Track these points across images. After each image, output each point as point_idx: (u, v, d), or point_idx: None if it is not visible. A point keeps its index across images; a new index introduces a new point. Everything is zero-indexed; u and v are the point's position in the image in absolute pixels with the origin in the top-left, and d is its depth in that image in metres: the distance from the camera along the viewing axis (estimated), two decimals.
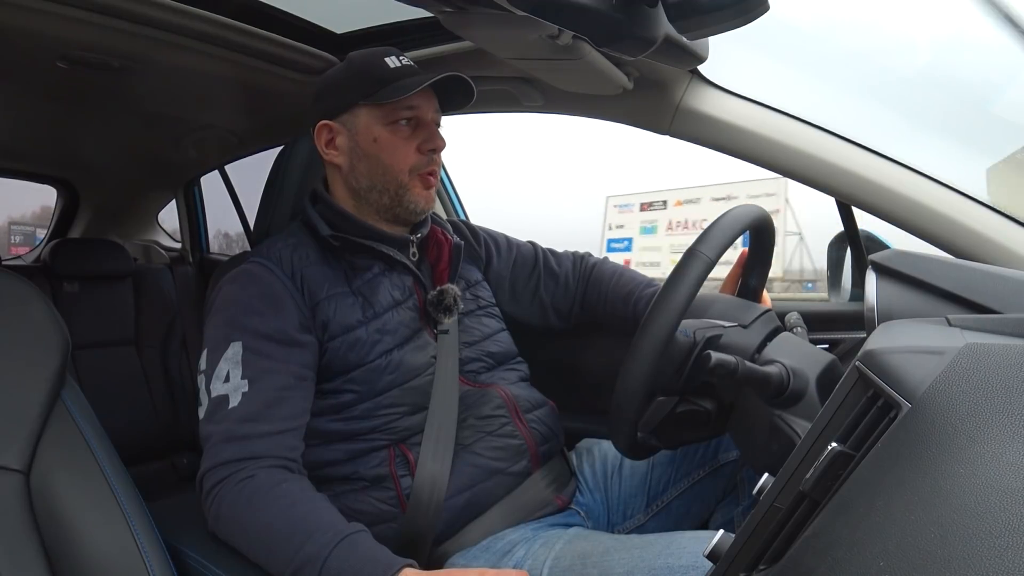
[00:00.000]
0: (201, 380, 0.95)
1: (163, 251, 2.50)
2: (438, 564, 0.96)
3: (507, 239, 1.29)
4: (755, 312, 0.90)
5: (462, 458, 0.99)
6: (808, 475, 0.49)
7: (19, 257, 2.54)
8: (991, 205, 0.97)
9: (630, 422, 0.82)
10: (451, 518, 0.96)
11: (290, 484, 0.88)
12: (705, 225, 0.86)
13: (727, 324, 0.88)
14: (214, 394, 0.93)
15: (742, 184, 8.26)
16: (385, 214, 1.06)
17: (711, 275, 0.82)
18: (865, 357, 0.50)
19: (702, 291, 0.83)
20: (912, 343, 0.50)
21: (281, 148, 1.28)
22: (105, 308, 2.05)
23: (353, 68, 1.06)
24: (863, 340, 0.55)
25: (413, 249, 1.09)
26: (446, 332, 1.05)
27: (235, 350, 0.94)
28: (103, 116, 1.69)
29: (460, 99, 1.07)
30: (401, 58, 1.05)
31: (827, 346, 1.21)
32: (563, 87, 1.11)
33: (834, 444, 0.49)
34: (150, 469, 1.97)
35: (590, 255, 1.30)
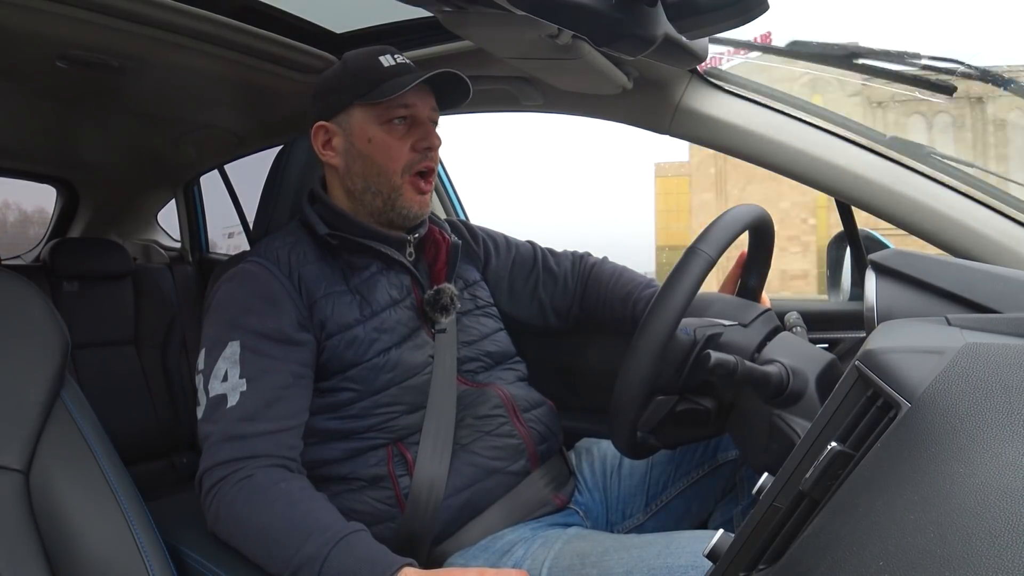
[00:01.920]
0: (199, 379, 0.95)
1: (163, 251, 2.50)
2: (437, 564, 0.96)
3: (506, 239, 1.29)
4: (755, 311, 0.90)
5: (460, 458, 0.99)
6: (808, 475, 0.49)
7: (19, 256, 2.53)
8: (991, 205, 0.97)
9: (630, 421, 0.82)
10: (450, 518, 0.96)
11: (289, 483, 0.88)
12: None
13: (727, 323, 0.88)
14: (212, 393, 0.93)
15: None
16: (380, 217, 1.06)
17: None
18: (865, 357, 0.50)
19: (701, 291, 0.83)
20: (912, 343, 0.50)
21: (280, 148, 1.28)
22: (105, 308, 2.05)
23: (348, 68, 1.06)
24: (863, 340, 0.55)
25: (410, 249, 1.09)
26: (443, 331, 1.05)
27: (233, 349, 0.94)
28: (103, 116, 1.69)
29: (457, 96, 1.07)
30: (396, 56, 1.05)
31: (827, 346, 1.21)
32: (563, 87, 1.11)
33: (834, 444, 0.49)
34: (150, 469, 1.97)
35: (589, 255, 1.30)
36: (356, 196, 1.06)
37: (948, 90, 0.91)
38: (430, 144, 1.04)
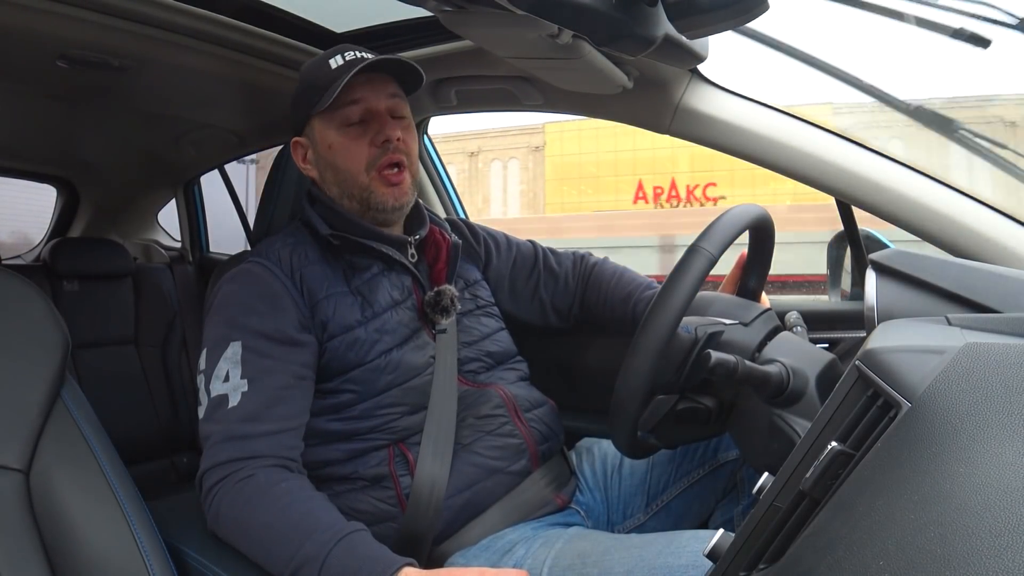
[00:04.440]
0: (200, 380, 0.95)
1: (163, 250, 2.50)
2: (438, 563, 0.96)
3: (507, 238, 1.29)
4: (755, 311, 0.90)
5: (461, 457, 0.99)
6: (808, 474, 0.49)
7: (19, 256, 2.53)
8: (991, 205, 0.97)
9: (630, 421, 0.82)
10: (451, 517, 0.96)
11: (289, 483, 0.88)
12: None
13: (728, 322, 0.88)
14: (213, 394, 0.93)
15: None
16: (364, 216, 1.06)
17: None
18: (865, 356, 0.50)
19: (702, 290, 0.83)
20: (912, 342, 0.50)
21: (281, 148, 1.28)
22: (105, 307, 2.04)
23: (303, 80, 1.06)
24: (863, 339, 0.55)
25: (411, 249, 1.09)
26: (444, 332, 1.05)
27: (234, 350, 0.94)
28: (103, 116, 1.69)
29: (414, 77, 1.04)
30: (347, 54, 1.02)
31: (827, 345, 1.21)
32: (563, 86, 1.11)
33: (834, 443, 0.49)
34: (150, 469, 1.96)
35: (590, 255, 1.30)
36: (336, 202, 1.06)
37: (983, 42, 0.86)
38: (387, 136, 1.01)
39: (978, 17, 0.86)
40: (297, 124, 1.07)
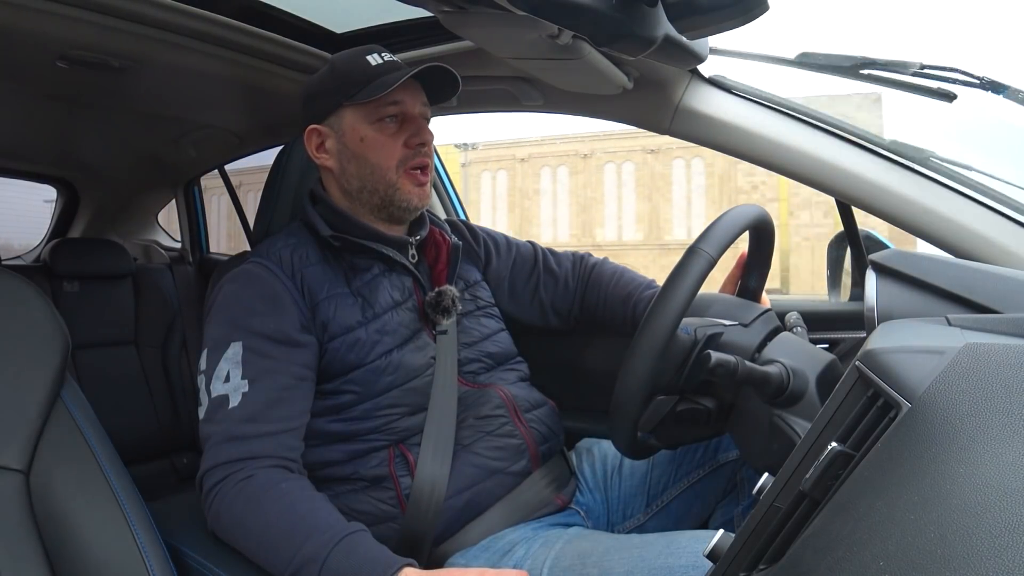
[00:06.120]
0: (201, 380, 0.95)
1: (163, 251, 2.50)
2: (438, 564, 0.96)
3: (506, 239, 1.29)
4: (755, 312, 0.89)
5: (462, 458, 0.99)
6: (808, 475, 0.49)
7: (19, 256, 2.53)
8: (991, 205, 0.97)
9: (630, 421, 0.82)
10: (451, 518, 0.96)
11: (289, 484, 0.88)
12: None
13: (727, 323, 0.88)
14: (214, 394, 0.93)
15: None
16: (379, 214, 1.06)
17: None
18: (865, 357, 0.50)
19: (702, 291, 0.83)
20: (912, 343, 0.50)
21: (281, 148, 1.28)
22: (105, 308, 2.04)
23: (335, 70, 1.06)
24: (863, 340, 0.55)
25: (412, 250, 1.09)
26: (444, 333, 1.05)
27: (235, 350, 0.94)
28: (103, 116, 1.69)
29: (446, 91, 1.07)
30: (384, 55, 1.05)
31: (827, 346, 1.21)
32: (563, 87, 1.11)
33: (834, 444, 0.49)
34: (150, 469, 1.96)
35: (590, 255, 1.30)
36: (353, 196, 1.06)
37: (949, 97, 0.92)
38: (423, 139, 1.04)
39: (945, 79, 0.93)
40: (319, 112, 1.06)
